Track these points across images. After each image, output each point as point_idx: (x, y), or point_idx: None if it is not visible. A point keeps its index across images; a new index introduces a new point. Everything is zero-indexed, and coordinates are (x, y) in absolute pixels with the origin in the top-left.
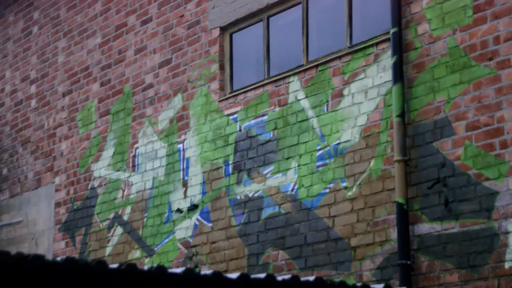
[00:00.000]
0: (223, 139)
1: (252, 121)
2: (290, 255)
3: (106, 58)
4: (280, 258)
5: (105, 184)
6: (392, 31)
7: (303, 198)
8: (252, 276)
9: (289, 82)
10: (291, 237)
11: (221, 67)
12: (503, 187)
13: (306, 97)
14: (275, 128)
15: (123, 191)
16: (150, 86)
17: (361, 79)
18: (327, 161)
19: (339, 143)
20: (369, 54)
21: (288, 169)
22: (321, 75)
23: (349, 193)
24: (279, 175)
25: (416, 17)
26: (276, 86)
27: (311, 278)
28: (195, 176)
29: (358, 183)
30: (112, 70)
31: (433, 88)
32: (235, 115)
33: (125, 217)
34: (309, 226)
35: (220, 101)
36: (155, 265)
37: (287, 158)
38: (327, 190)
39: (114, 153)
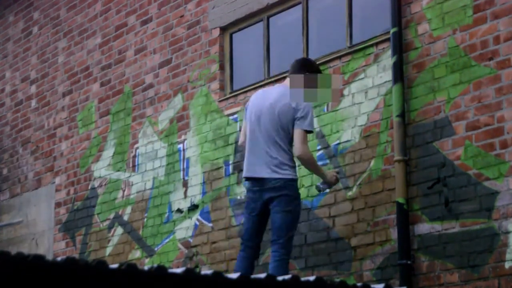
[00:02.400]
0: (223, 139)
1: None
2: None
3: (106, 58)
4: None
5: (105, 184)
6: (392, 31)
7: (303, 198)
8: (252, 276)
9: None
10: None
11: (221, 67)
12: (503, 187)
13: None
14: None
15: (123, 191)
16: (150, 86)
17: (361, 79)
18: (327, 161)
19: (339, 143)
20: (369, 54)
21: None
22: None
23: (349, 193)
24: None
25: (416, 17)
26: None
27: (311, 278)
28: (195, 176)
29: (358, 183)
30: (112, 70)
31: (433, 88)
32: (236, 115)
33: (125, 217)
34: (309, 226)
35: (220, 101)
36: (155, 265)
37: None
38: (327, 190)
39: (114, 153)
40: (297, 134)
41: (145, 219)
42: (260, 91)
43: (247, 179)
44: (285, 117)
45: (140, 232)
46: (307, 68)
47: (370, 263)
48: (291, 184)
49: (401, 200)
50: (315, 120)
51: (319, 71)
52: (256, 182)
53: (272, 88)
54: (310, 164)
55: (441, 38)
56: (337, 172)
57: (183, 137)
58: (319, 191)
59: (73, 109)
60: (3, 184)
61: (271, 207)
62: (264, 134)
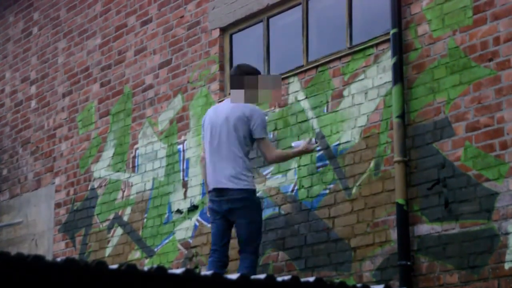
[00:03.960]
0: None
1: None
2: (290, 255)
3: (106, 59)
4: (280, 258)
5: (105, 185)
6: (392, 31)
7: (303, 199)
8: (252, 276)
9: (289, 83)
10: (291, 238)
11: (221, 68)
12: (503, 188)
13: (306, 97)
14: (275, 129)
15: (123, 192)
16: (150, 87)
17: (361, 80)
18: (327, 162)
19: (339, 144)
20: (369, 55)
21: (288, 170)
22: (321, 76)
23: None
24: (279, 176)
25: (416, 18)
26: None
27: (311, 279)
28: (195, 177)
29: (358, 184)
30: (112, 71)
31: (433, 89)
32: None
33: (125, 218)
34: (309, 226)
35: (220, 101)
36: (155, 265)
37: None
38: (327, 191)
39: (114, 154)
40: (261, 143)
41: (145, 220)
42: (212, 107)
43: (211, 190)
44: (241, 127)
45: (140, 233)
46: (246, 71)
47: (370, 264)
48: (250, 194)
49: (401, 201)
50: (315, 120)
51: (258, 73)
52: (216, 193)
53: (222, 104)
54: (284, 158)
55: (441, 39)
56: (311, 139)
57: (183, 137)
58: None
59: (73, 110)
60: (3, 184)
61: (233, 220)
62: (222, 146)
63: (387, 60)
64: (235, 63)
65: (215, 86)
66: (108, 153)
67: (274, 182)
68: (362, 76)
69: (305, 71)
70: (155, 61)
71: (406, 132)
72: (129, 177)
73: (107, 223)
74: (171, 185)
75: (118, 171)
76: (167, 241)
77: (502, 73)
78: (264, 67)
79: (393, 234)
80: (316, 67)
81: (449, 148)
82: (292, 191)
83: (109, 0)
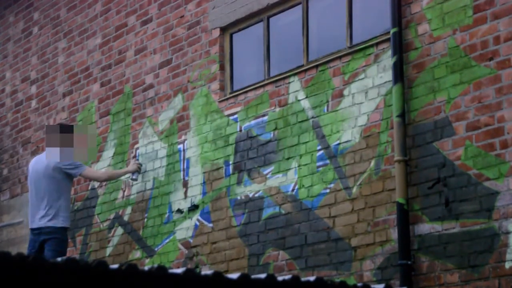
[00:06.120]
0: (224, 139)
1: (253, 122)
2: (291, 255)
3: (106, 59)
4: (280, 258)
5: (105, 185)
6: (392, 31)
7: (304, 198)
8: (253, 276)
9: (289, 83)
10: (292, 237)
11: (221, 68)
12: (504, 187)
13: (307, 97)
14: (276, 129)
15: (124, 191)
16: (151, 86)
17: (361, 79)
18: (328, 161)
19: (339, 143)
20: (369, 54)
21: (289, 169)
22: (321, 75)
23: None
24: (280, 175)
25: (416, 17)
26: (276, 86)
27: (312, 278)
28: (196, 176)
29: (358, 183)
30: (112, 70)
31: (433, 88)
32: (236, 116)
33: (126, 218)
34: (309, 226)
35: (220, 101)
36: (155, 265)
37: (288, 159)
38: (328, 190)
39: (114, 153)
40: (86, 174)
41: (145, 220)
42: (34, 158)
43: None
44: (57, 172)
45: (141, 233)
46: (62, 129)
47: (370, 263)
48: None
49: (401, 200)
50: (316, 120)
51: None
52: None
53: (42, 155)
54: (111, 177)
55: (441, 38)
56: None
57: (183, 137)
58: (134, 179)
59: (73, 110)
60: (3, 184)
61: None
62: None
63: (387, 59)
64: (235, 63)
65: (215, 85)
66: (109, 152)
67: (275, 181)
68: (362, 76)
69: (305, 70)
70: (156, 60)
71: (407, 131)
72: (130, 176)
73: (107, 222)
74: (172, 185)
75: None
76: (167, 240)
77: (502, 72)
78: (264, 67)
79: (394, 234)
80: (316, 66)
81: (449, 147)
82: (293, 190)
83: (109, 0)
